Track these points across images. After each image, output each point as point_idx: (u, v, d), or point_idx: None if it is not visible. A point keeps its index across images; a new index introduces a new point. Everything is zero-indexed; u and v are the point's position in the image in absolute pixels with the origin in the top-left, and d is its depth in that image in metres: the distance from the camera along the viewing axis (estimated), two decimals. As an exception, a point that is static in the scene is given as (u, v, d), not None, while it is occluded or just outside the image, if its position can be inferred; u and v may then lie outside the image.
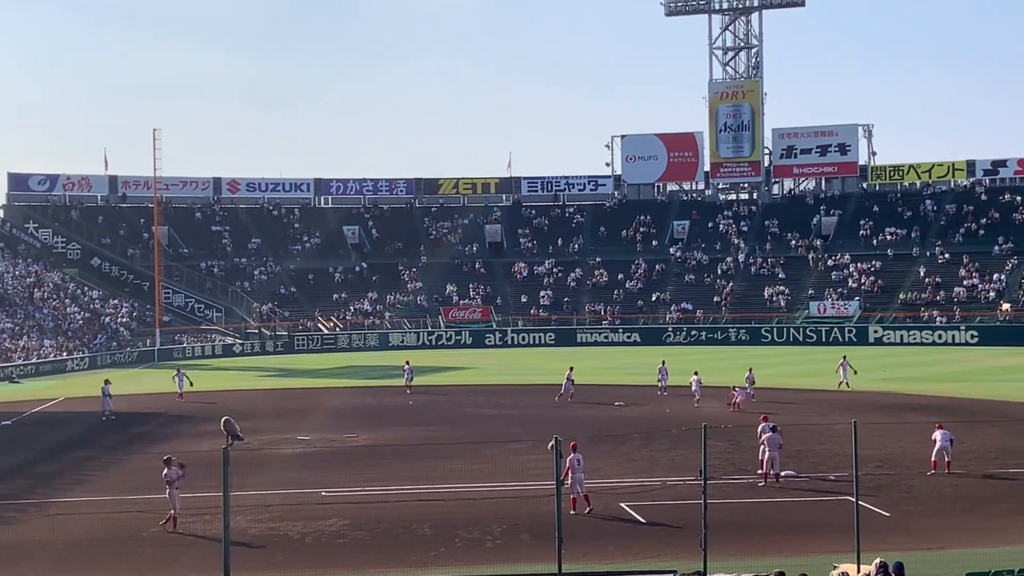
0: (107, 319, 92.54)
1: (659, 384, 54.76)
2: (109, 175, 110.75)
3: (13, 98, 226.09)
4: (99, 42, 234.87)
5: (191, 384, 57.62)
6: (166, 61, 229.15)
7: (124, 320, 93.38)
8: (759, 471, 32.41)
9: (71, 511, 28.67)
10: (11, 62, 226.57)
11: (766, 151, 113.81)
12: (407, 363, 60.23)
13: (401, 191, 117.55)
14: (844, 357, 57.51)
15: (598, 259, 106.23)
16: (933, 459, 32.66)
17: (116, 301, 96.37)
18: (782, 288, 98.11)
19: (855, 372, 56.28)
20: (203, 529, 27.13)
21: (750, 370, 52.56)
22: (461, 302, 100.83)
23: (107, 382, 52.26)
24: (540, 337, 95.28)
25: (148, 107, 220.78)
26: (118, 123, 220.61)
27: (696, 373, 51.52)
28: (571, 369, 54.63)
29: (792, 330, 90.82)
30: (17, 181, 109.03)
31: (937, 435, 32.93)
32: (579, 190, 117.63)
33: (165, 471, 27.86)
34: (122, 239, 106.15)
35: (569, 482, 27.71)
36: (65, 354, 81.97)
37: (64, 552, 25.74)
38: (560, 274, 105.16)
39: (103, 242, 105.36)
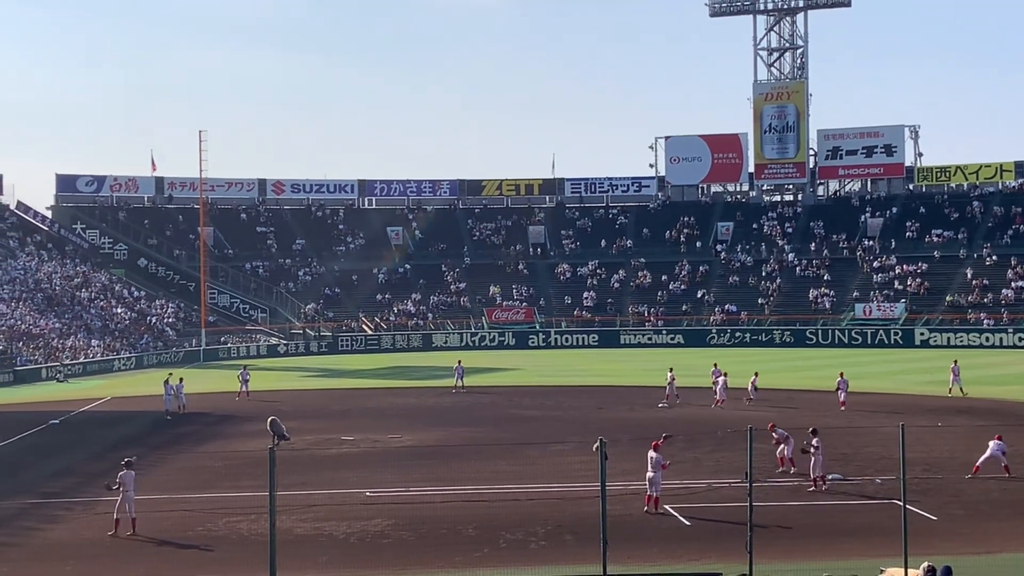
0: (153, 319, 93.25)
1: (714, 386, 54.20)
2: (156, 176, 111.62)
3: (62, 100, 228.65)
4: (147, 44, 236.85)
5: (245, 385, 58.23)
6: (212, 63, 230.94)
7: (170, 320, 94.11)
8: (779, 468, 33.61)
9: (117, 510, 28.85)
10: (59, 65, 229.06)
11: (811, 152, 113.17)
12: (459, 362, 60.50)
13: (445, 192, 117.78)
14: (955, 362, 54.85)
15: (641, 260, 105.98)
16: (978, 464, 32.36)
17: (162, 301, 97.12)
18: (827, 290, 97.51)
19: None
20: (248, 529, 27.28)
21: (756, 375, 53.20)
22: (504, 303, 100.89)
23: (180, 380, 53.09)
24: (583, 338, 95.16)
25: (195, 108, 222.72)
26: (165, 124, 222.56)
27: (725, 375, 51.50)
28: (671, 370, 53.87)
29: (837, 332, 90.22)
30: (65, 182, 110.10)
31: (992, 444, 32.62)
32: (623, 191, 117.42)
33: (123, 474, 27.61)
34: (168, 240, 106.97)
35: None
36: (112, 354, 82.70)
37: (110, 550, 25.95)
38: (603, 275, 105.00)
39: (149, 243, 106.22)
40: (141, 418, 50.30)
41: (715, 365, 55.05)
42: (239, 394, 57.37)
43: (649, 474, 28.68)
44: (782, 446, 34.10)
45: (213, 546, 26.05)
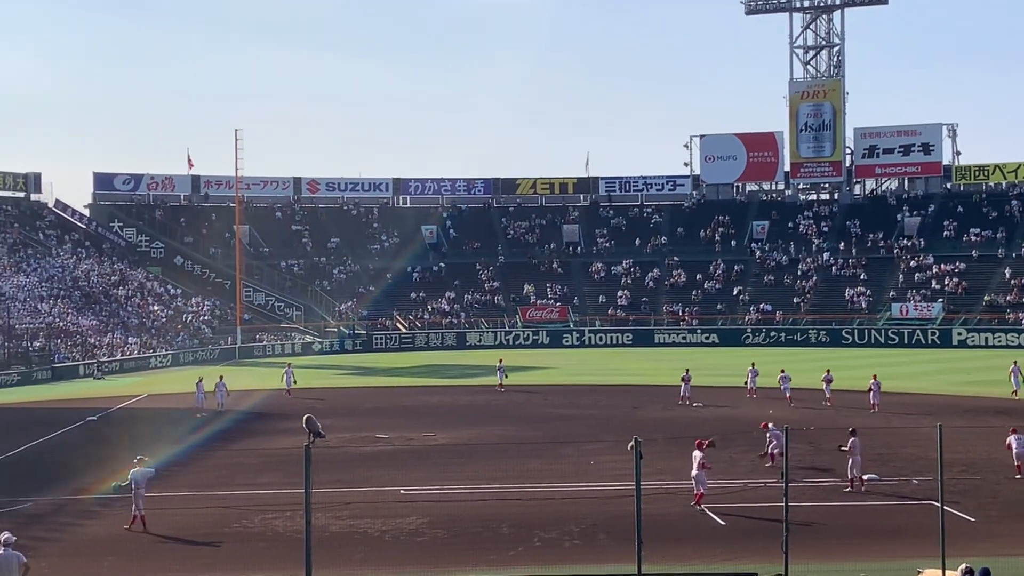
0: (189, 317, 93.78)
1: (747, 386, 54.13)
2: (192, 175, 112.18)
3: (100, 100, 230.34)
4: (184, 44, 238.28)
5: (295, 382, 58.61)
6: (249, 62, 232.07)
7: (206, 318, 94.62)
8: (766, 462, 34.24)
9: (154, 506, 29.04)
10: (98, 65, 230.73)
11: (848, 151, 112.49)
12: (500, 361, 60.64)
13: (479, 191, 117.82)
14: (1015, 363, 53.96)
15: (676, 259, 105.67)
16: (1017, 463, 32.16)
17: (198, 299, 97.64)
18: (863, 289, 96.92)
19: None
20: (284, 525, 27.39)
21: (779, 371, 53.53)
22: (538, 302, 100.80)
23: (220, 377, 53.37)
24: (617, 337, 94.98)
25: (230, 107, 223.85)
26: (201, 123, 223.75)
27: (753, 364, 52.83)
28: (687, 371, 53.75)
29: (873, 332, 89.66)
30: (103, 181, 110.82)
31: (1012, 440, 32.43)
32: (657, 190, 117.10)
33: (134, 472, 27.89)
34: (204, 238, 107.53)
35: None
36: (148, 351, 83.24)
37: (147, 546, 26.13)
38: (638, 274, 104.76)
39: (186, 241, 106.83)
40: (176, 415, 50.61)
41: (752, 364, 55.05)
42: (287, 391, 57.66)
43: (693, 472, 28.80)
44: (773, 442, 34.59)
45: (249, 543, 26.17)
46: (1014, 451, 32.38)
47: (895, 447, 37.12)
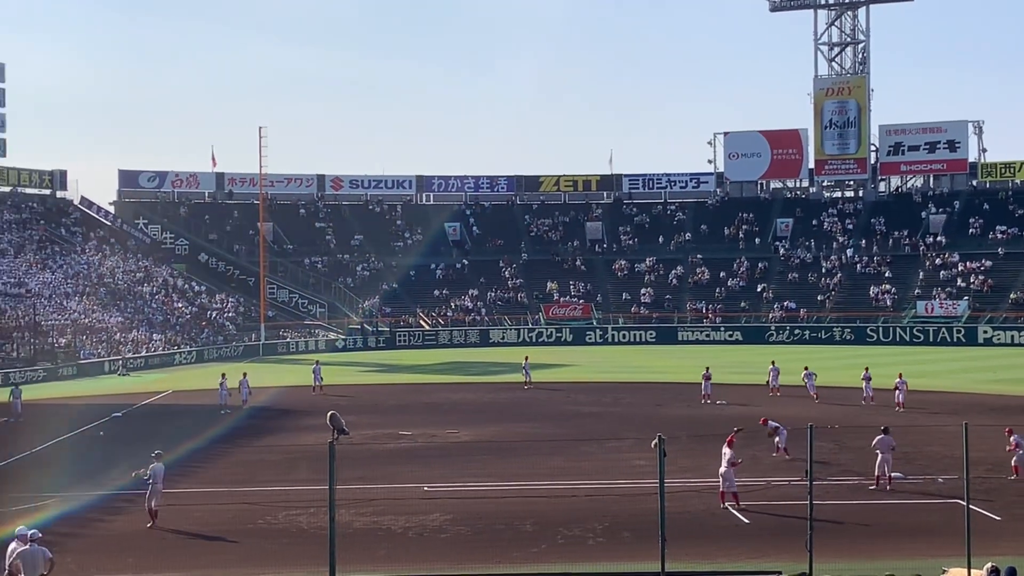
0: (213, 314, 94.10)
1: (770, 384, 54.01)
2: (216, 172, 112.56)
3: (125, 97, 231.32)
4: (208, 42, 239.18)
5: (323, 379, 58.69)
6: (273, 60, 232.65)
7: (230, 315, 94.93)
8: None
9: (178, 502, 29.17)
10: (123, 63, 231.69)
11: (872, 148, 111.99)
12: (526, 359, 60.66)
13: (502, 188, 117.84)
14: None
15: (699, 257, 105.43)
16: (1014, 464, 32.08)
17: (222, 296, 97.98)
18: (888, 287, 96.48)
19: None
20: (308, 522, 27.45)
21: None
22: (562, 299, 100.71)
23: (244, 374, 53.57)
24: (641, 335, 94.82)
25: (255, 105, 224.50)
26: (226, 121, 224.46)
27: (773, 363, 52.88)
28: (707, 368, 53.60)
29: (898, 330, 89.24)
30: (128, 178, 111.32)
31: (1014, 440, 32.30)
32: (681, 187, 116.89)
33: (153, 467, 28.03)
34: (228, 235, 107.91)
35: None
36: (173, 348, 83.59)
37: (172, 542, 26.22)
38: (661, 272, 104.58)
39: (210, 238, 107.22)
40: (201, 412, 50.78)
41: (772, 363, 54.95)
42: (315, 388, 57.81)
43: (721, 469, 28.73)
44: (776, 438, 35.27)
45: (273, 539, 26.24)
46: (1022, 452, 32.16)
47: (920, 446, 36.92)
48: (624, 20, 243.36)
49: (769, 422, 36.09)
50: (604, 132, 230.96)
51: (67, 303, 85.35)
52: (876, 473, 31.04)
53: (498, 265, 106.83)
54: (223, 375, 53.16)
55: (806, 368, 53.51)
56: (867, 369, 51.33)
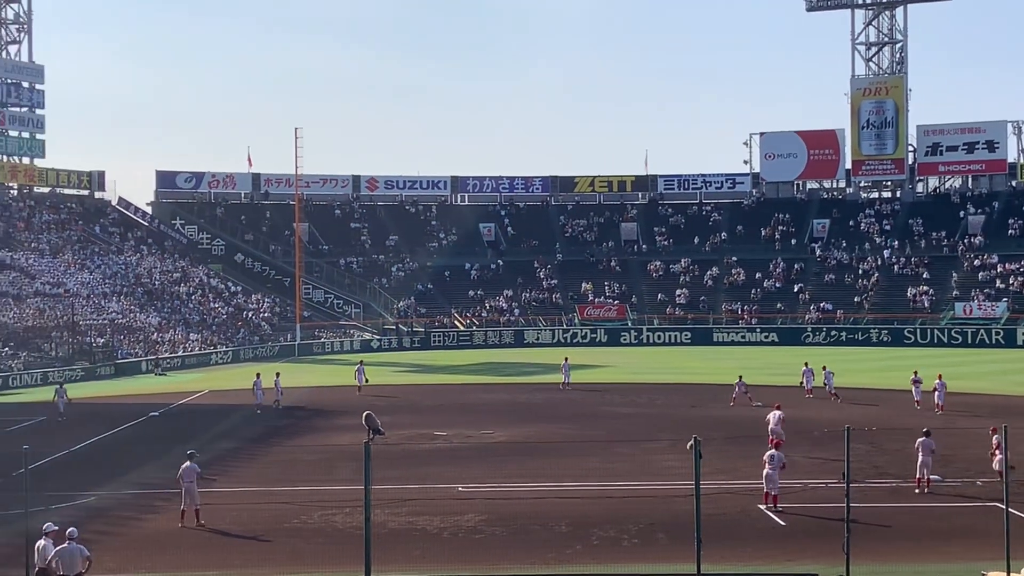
0: (249, 314, 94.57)
1: (803, 386, 53.80)
2: (252, 173, 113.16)
3: (162, 98, 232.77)
4: (244, 43, 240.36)
5: (367, 380, 58.87)
6: (308, 60, 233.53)
7: (265, 315, 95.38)
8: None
9: (215, 501, 29.30)
10: (159, 64, 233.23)
11: (910, 148, 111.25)
12: (565, 360, 60.52)
13: (537, 188, 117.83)
14: None
15: (735, 258, 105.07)
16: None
17: (258, 296, 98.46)
18: (926, 288, 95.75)
19: None
20: (343, 522, 27.51)
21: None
22: (596, 300, 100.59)
23: (277, 374, 53.75)
24: (676, 336, 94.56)
25: (291, 106, 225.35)
26: (262, 122, 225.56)
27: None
28: (740, 378, 53.41)
29: (936, 331, 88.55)
30: (165, 179, 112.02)
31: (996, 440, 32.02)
32: (716, 188, 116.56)
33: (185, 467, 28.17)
34: (264, 235, 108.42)
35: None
36: (209, 348, 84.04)
37: (208, 541, 26.34)
38: (696, 272, 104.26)
39: (246, 238, 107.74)
40: (237, 411, 51.03)
41: (806, 364, 54.74)
42: (359, 388, 57.93)
43: (767, 471, 28.62)
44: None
45: (308, 539, 26.31)
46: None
47: (959, 448, 36.60)
48: (660, 20, 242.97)
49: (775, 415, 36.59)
50: (639, 133, 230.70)
51: (105, 303, 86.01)
52: (917, 475, 30.83)
53: (533, 265, 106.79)
54: (257, 375, 53.41)
55: (824, 367, 53.60)
56: (916, 372, 50.43)
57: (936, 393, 47.62)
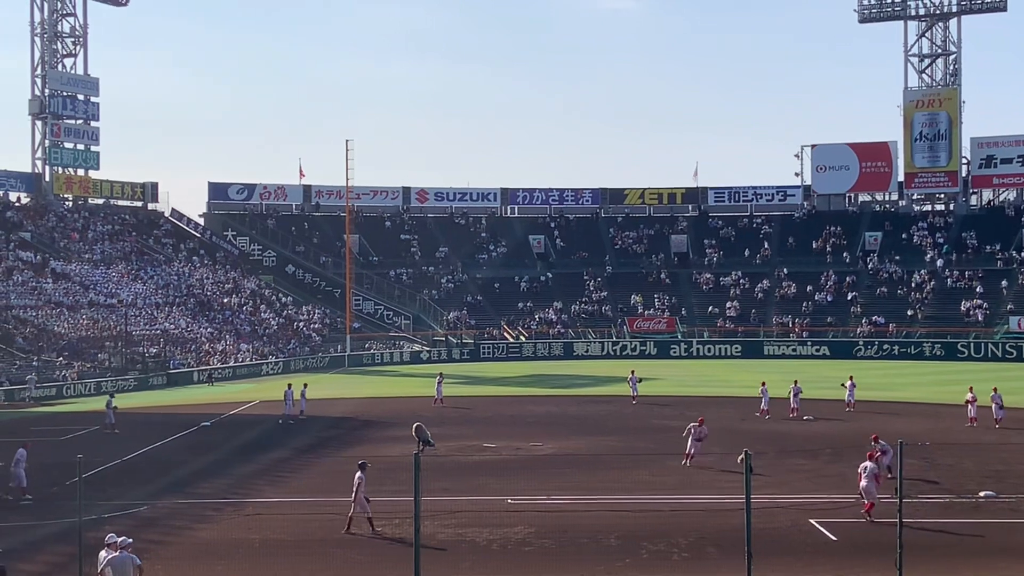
0: (300, 325, 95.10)
1: (847, 400, 53.41)
2: (303, 184, 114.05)
3: (214, 110, 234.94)
4: (297, 56, 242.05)
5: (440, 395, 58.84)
6: (359, 73, 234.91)
7: (316, 326, 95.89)
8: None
9: (266, 511, 29.45)
10: (212, 77, 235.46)
11: (964, 161, 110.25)
12: (632, 372, 60.31)
13: (587, 201, 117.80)
14: None
15: (785, 270, 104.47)
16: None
17: (309, 307, 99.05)
18: (980, 302, 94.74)
19: None
20: (392, 533, 27.57)
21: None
22: (646, 312, 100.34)
23: (305, 385, 53.94)
24: (726, 349, 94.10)
25: (342, 118, 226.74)
26: (313, 134, 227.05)
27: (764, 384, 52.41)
28: (763, 384, 53.25)
29: (990, 346, 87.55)
30: (217, 190, 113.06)
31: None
32: (767, 200, 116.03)
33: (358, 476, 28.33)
34: (315, 247, 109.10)
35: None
36: (260, 358, 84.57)
37: (259, 551, 26.44)
38: (747, 285, 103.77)
39: (297, 250, 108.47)
40: (288, 422, 51.25)
41: (850, 378, 54.36)
42: (436, 400, 57.82)
43: (862, 484, 28.49)
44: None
45: (358, 549, 26.38)
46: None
47: (1013, 463, 36.19)
48: (711, 32, 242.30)
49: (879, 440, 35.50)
50: (690, 145, 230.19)
51: (157, 313, 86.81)
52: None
53: (582, 278, 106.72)
54: (289, 385, 53.71)
55: (851, 378, 53.72)
56: (971, 389, 49.27)
57: (993, 407, 47.07)
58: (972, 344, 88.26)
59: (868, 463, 29.38)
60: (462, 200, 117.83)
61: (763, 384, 52.51)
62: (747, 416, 51.43)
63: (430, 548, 24.35)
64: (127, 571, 20.12)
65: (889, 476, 34.07)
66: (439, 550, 25.52)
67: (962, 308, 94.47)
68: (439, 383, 58.97)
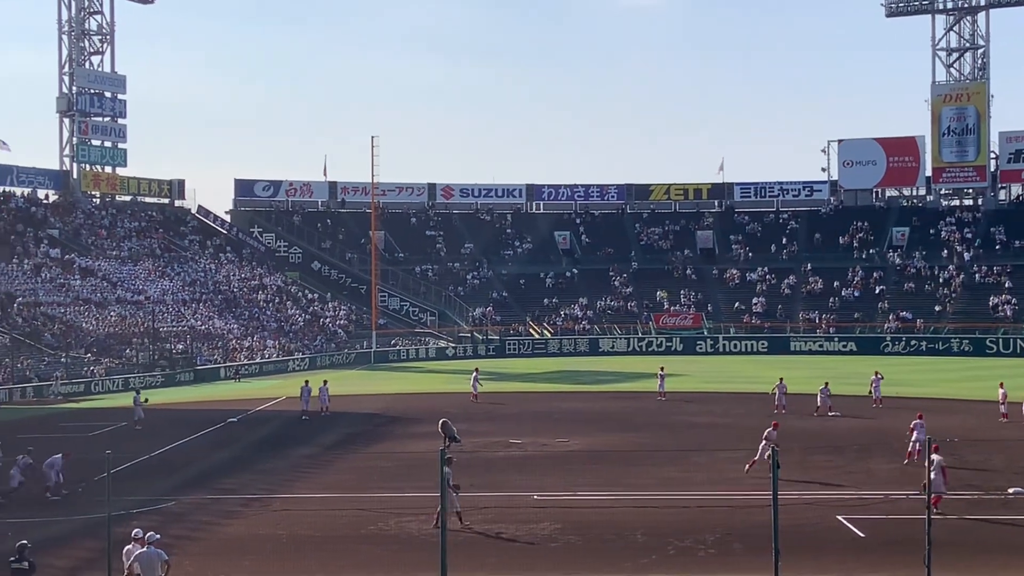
0: (326, 321, 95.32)
1: (873, 396, 53.19)
2: (329, 181, 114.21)
3: (240, 107, 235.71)
4: (322, 53, 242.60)
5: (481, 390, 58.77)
6: (384, 70, 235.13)
7: (342, 322, 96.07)
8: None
9: (293, 507, 29.55)
10: (238, 74, 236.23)
11: (992, 155, 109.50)
12: (661, 368, 60.17)
13: (612, 196, 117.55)
14: None
15: (812, 266, 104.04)
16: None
17: (335, 303, 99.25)
18: (1008, 297, 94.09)
19: None
20: (419, 528, 27.61)
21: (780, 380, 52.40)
22: (672, 308, 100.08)
23: (324, 382, 54.12)
24: (752, 345, 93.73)
25: (367, 115, 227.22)
26: (338, 131, 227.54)
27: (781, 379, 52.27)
28: (781, 380, 53.07)
29: (1019, 341, 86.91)
30: (243, 187, 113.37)
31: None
32: (793, 196, 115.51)
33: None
34: (341, 243, 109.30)
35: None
36: (286, 355, 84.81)
37: (286, 546, 26.54)
38: (773, 281, 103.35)
39: (323, 246, 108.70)
40: (314, 418, 51.42)
41: (876, 373, 54.18)
42: (473, 396, 57.80)
43: (932, 475, 28.33)
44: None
45: (385, 545, 26.44)
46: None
47: (1043, 461, 35.94)
48: (736, 26, 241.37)
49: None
50: (715, 140, 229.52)
51: (184, 310, 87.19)
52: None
53: (608, 274, 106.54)
54: (306, 382, 53.82)
55: (876, 372, 53.73)
56: (1002, 385, 49.07)
57: None
58: (1001, 340, 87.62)
59: (935, 456, 28.95)
60: (487, 196, 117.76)
61: (780, 380, 52.29)
62: (772, 414, 51.23)
63: (457, 543, 24.36)
64: (154, 566, 20.24)
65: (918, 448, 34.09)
66: (465, 545, 25.54)
67: (990, 303, 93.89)
68: (475, 378, 58.98)
